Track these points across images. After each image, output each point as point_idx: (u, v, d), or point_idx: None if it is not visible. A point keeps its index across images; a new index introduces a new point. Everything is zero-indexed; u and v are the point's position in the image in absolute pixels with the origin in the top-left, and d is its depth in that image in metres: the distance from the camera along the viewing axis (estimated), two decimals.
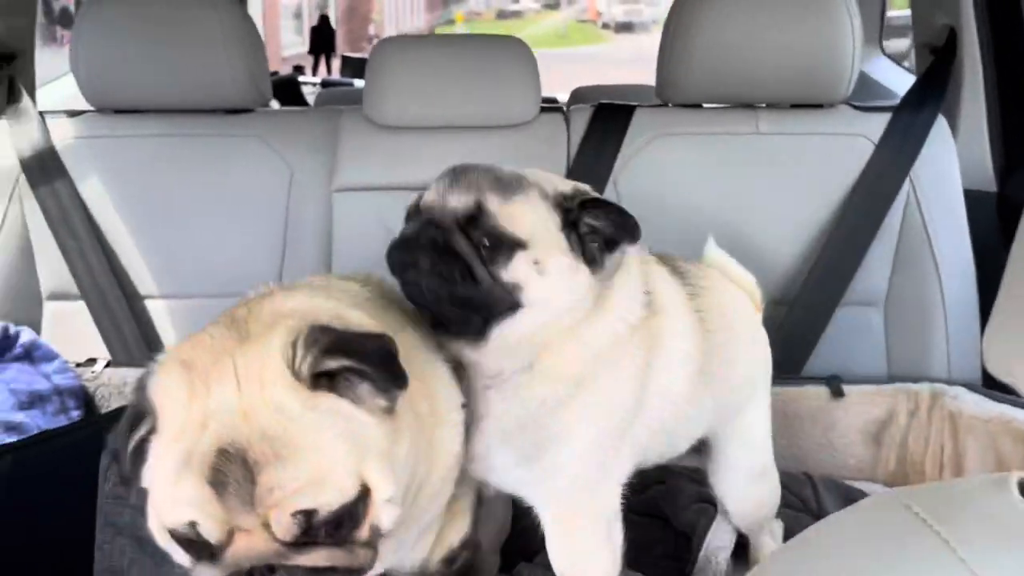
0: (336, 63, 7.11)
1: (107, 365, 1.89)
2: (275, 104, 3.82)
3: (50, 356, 1.86)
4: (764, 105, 2.02)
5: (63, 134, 2.06)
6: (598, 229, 1.04)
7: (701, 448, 1.38)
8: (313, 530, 0.81)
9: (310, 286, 1.03)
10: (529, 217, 1.02)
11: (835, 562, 0.54)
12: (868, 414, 1.80)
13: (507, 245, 0.99)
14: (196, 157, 2.04)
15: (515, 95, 2.00)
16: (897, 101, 2.04)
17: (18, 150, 2.03)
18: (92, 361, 1.90)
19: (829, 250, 1.91)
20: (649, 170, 1.98)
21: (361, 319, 0.94)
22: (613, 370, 1.07)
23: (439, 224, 1.01)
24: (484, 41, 2.07)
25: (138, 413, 0.86)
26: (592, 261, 1.04)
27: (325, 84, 4.44)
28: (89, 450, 1.15)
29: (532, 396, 1.05)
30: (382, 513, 0.86)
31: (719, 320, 1.25)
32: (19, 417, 1.66)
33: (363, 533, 0.85)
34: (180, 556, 0.85)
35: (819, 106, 2.01)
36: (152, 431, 0.85)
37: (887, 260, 1.95)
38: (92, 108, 2.09)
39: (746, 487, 1.40)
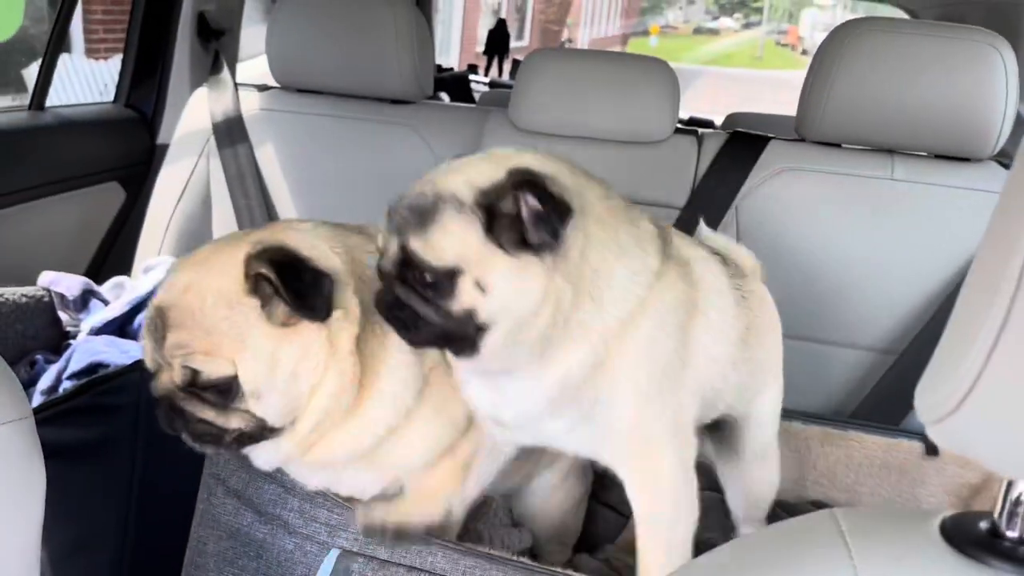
0: (508, 65, 7.36)
1: None
2: (445, 97, 4.08)
3: None
4: (903, 152, 1.99)
5: (251, 105, 2.34)
6: (523, 217, 0.94)
7: (706, 431, 1.39)
8: (198, 386, 1.05)
9: (318, 225, 1.21)
10: (450, 240, 0.94)
11: (754, 552, 0.61)
12: (961, 477, 1.75)
13: (441, 278, 0.95)
14: (356, 139, 2.26)
15: (652, 114, 2.08)
16: None
17: (213, 115, 2.33)
18: None
19: (948, 306, 1.86)
20: (773, 201, 2.00)
21: (328, 259, 1.11)
22: (639, 331, 1.04)
23: (386, 276, 1.00)
24: (629, 59, 2.16)
25: None
26: (541, 247, 0.95)
27: (493, 85, 4.64)
28: None
29: (563, 372, 1.03)
30: (249, 397, 1.06)
31: (757, 303, 1.29)
32: None
33: (237, 403, 1.06)
34: None
35: (963, 160, 1.95)
36: None
37: None
38: (278, 85, 2.37)
39: (751, 468, 1.42)
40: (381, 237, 1.03)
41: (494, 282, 0.95)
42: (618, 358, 1.04)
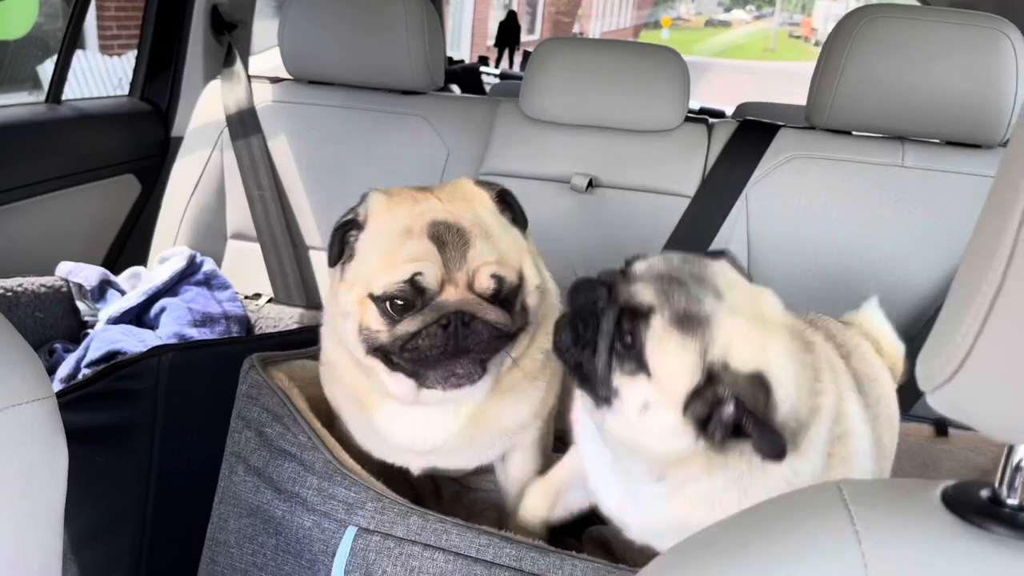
0: (518, 57, 7.36)
1: (269, 301, 2.18)
2: (456, 89, 4.09)
3: (224, 286, 2.16)
4: (914, 139, 2.00)
5: (263, 97, 2.37)
6: (720, 403, 0.93)
7: None
8: (500, 292, 1.12)
9: None
10: (673, 358, 0.94)
11: (756, 522, 0.63)
12: (972, 461, 1.76)
13: (635, 363, 0.96)
14: (368, 129, 2.28)
15: (662, 103, 2.09)
16: None
17: (226, 106, 2.36)
18: (257, 296, 2.20)
19: None
20: (784, 189, 2.01)
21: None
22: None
23: (614, 295, 1.01)
24: (639, 48, 2.16)
25: (348, 221, 1.18)
26: (710, 437, 0.95)
27: (503, 76, 4.65)
28: (236, 359, 1.38)
29: (669, 513, 1.04)
30: (529, 297, 1.17)
31: (884, 408, 1.26)
32: (192, 332, 1.96)
33: (518, 306, 1.16)
34: (378, 322, 1.12)
35: (973, 146, 1.95)
36: (358, 230, 1.17)
37: None
38: (290, 77, 2.39)
39: None
40: (642, 264, 1.04)
41: (656, 414, 0.96)
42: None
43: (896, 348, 1.38)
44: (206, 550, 1.28)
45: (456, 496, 1.57)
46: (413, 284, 1.08)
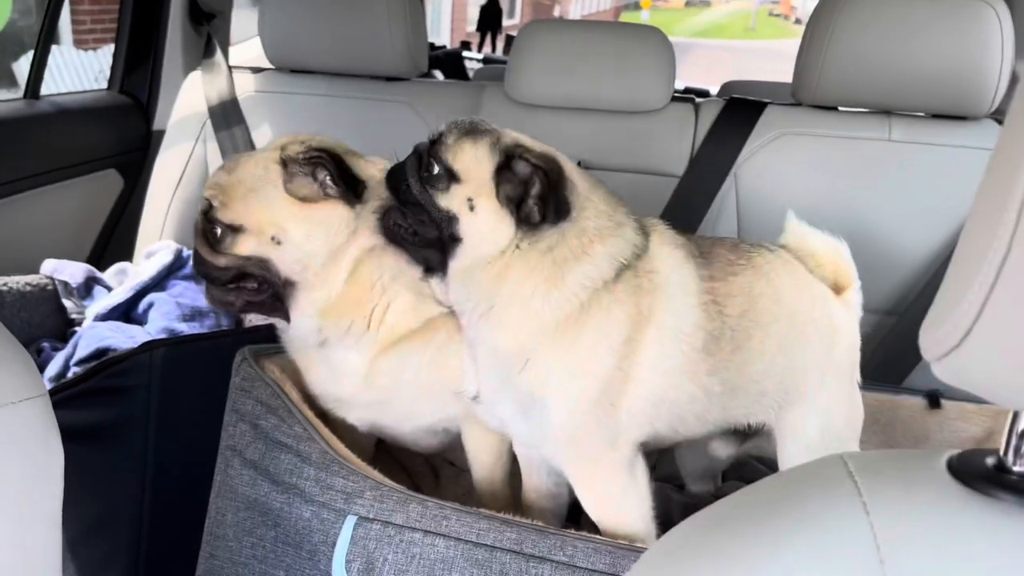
0: (500, 41, 7.33)
1: None
2: (439, 75, 4.06)
3: None
4: (900, 113, 2.00)
5: (245, 87, 2.34)
6: (527, 183, 1.08)
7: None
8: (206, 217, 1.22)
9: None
10: (469, 155, 1.10)
11: (762, 496, 0.62)
12: (965, 431, 1.77)
13: (444, 175, 1.10)
14: (352, 116, 2.26)
15: (648, 83, 2.08)
16: None
17: (208, 98, 2.33)
18: None
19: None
20: (772, 166, 2.01)
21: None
22: (578, 341, 1.10)
23: (417, 151, 1.16)
24: (624, 28, 2.16)
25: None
26: (526, 220, 1.09)
27: (487, 61, 4.63)
28: (228, 353, 1.37)
29: (495, 345, 1.13)
30: (265, 248, 1.20)
31: (740, 305, 1.20)
32: (181, 326, 1.94)
33: (231, 248, 1.21)
34: None
35: (960, 119, 1.96)
36: None
37: None
38: (272, 67, 2.36)
39: None
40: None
41: (481, 208, 1.09)
42: (551, 360, 1.11)
43: (834, 252, 1.35)
44: (204, 544, 1.27)
45: (454, 479, 1.57)
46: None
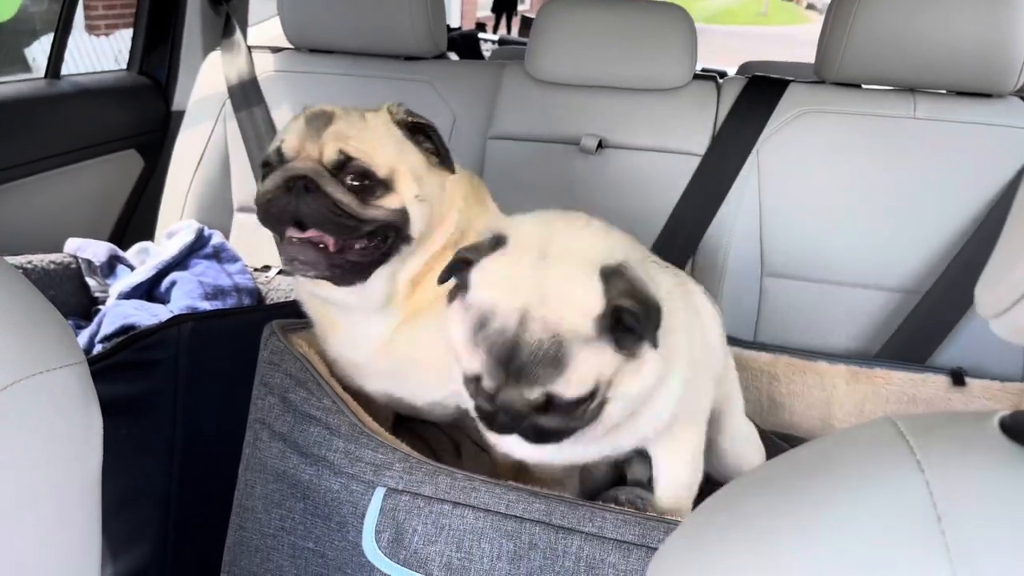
0: (516, 23, 7.31)
1: (279, 272, 2.16)
2: (454, 56, 4.05)
3: (234, 258, 2.14)
4: (924, 90, 1.98)
5: (265, 67, 2.34)
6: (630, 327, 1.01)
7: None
8: (345, 167, 1.17)
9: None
10: (589, 371, 0.99)
11: (813, 457, 0.62)
12: (988, 408, 1.76)
13: (584, 400, 1.02)
14: (372, 96, 2.24)
15: (670, 61, 2.07)
16: None
17: (227, 78, 2.33)
18: (267, 268, 2.18)
19: (974, 244, 1.86)
20: (794, 144, 1.99)
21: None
22: (682, 336, 1.13)
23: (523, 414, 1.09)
24: (646, 6, 2.14)
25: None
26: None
27: (502, 42, 4.60)
28: (255, 328, 1.37)
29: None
30: (410, 206, 1.20)
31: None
32: (204, 305, 1.95)
33: (378, 202, 1.18)
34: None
35: (985, 96, 1.94)
36: None
37: None
38: (291, 46, 2.35)
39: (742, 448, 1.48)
40: None
41: (623, 383, 1.03)
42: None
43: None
44: (234, 516, 1.28)
45: (475, 454, 1.57)
46: (278, 151, 1.18)
